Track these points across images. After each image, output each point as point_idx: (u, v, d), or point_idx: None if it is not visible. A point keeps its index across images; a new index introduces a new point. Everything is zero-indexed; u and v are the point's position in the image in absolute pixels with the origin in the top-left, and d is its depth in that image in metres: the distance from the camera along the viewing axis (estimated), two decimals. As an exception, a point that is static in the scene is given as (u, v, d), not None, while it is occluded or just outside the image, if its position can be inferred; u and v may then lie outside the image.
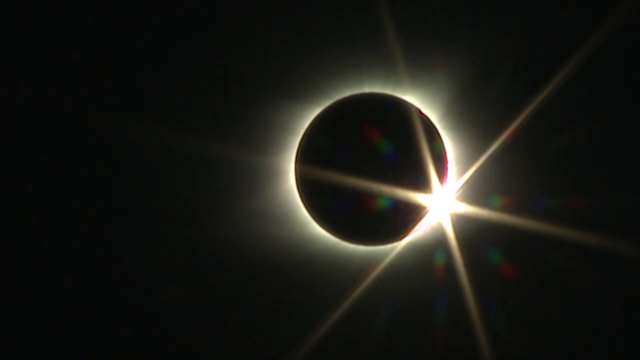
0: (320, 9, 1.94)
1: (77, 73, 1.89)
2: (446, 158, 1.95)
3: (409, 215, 1.92)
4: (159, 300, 1.94)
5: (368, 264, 1.94)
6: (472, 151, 1.95)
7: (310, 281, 1.93)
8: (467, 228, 1.97)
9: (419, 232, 1.96)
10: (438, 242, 1.97)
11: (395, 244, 1.95)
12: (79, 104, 1.88)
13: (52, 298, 1.92)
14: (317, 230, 1.93)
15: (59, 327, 1.93)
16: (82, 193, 1.91)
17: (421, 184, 1.91)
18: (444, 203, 1.96)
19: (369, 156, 1.86)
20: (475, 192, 1.96)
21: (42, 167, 1.90)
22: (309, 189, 1.90)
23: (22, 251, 1.91)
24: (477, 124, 1.94)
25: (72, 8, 1.89)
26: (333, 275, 1.94)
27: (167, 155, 1.91)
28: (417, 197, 1.92)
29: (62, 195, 1.90)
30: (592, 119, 1.95)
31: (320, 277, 1.93)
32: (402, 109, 1.92)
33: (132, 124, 1.90)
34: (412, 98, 1.94)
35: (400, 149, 1.88)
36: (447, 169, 1.95)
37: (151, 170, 1.92)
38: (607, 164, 1.96)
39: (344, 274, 1.94)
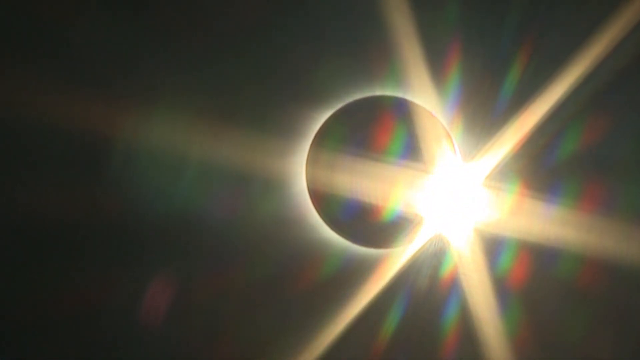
0: (329, 12, 1.94)
1: (82, 70, 1.89)
2: (457, 162, 1.95)
3: (419, 219, 1.92)
4: (164, 303, 1.93)
5: (380, 267, 1.94)
6: (483, 154, 1.95)
7: (320, 284, 1.93)
8: (476, 232, 1.96)
9: (430, 236, 1.96)
10: (448, 247, 1.97)
11: (407, 247, 1.94)
12: (85, 103, 1.88)
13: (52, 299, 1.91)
14: (329, 234, 1.93)
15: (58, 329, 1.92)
16: (85, 195, 1.90)
17: (432, 187, 1.91)
18: (454, 207, 1.96)
19: (380, 159, 1.86)
20: (485, 196, 1.96)
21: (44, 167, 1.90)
22: (320, 192, 1.91)
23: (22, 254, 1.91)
24: (489, 127, 1.94)
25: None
26: (344, 279, 1.93)
27: (174, 158, 1.91)
28: (427, 200, 1.92)
29: (63, 196, 1.90)
30: (602, 121, 1.95)
31: (331, 280, 1.93)
32: (413, 112, 1.92)
33: (140, 125, 1.89)
34: (423, 101, 1.94)
35: (411, 152, 1.88)
36: (458, 172, 1.95)
37: (158, 173, 1.91)
38: (617, 168, 1.96)
39: (355, 277, 1.93)
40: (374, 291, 1.93)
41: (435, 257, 1.96)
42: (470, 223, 1.96)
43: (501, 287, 1.95)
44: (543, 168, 1.95)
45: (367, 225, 1.89)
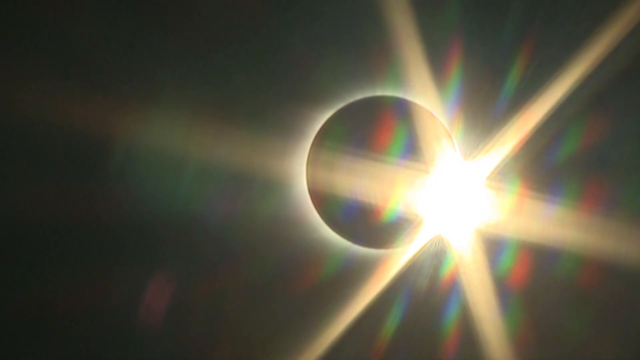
0: (330, 11, 1.94)
1: (81, 69, 1.89)
2: (458, 162, 1.95)
3: (420, 219, 1.92)
4: (164, 303, 1.93)
5: (380, 267, 1.94)
6: (483, 154, 1.95)
7: (320, 284, 1.93)
8: (477, 232, 1.96)
9: (430, 236, 1.96)
10: (448, 247, 1.97)
11: (407, 248, 1.94)
12: (85, 103, 1.88)
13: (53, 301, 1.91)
14: (329, 234, 1.93)
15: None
16: (85, 195, 1.90)
17: (432, 187, 1.91)
18: (454, 207, 1.96)
19: (380, 159, 1.86)
20: (486, 196, 1.96)
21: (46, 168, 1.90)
22: (320, 192, 1.90)
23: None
24: (489, 127, 1.94)
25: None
26: (344, 279, 1.93)
27: (173, 158, 1.90)
28: (427, 200, 1.92)
29: (62, 196, 1.90)
30: (602, 122, 1.95)
31: (332, 281, 1.93)
32: (413, 112, 1.92)
33: (139, 125, 1.89)
34: (424, 101, 1.94)
35: (411, 152, 1.88)
36: (458, 172, 1.95)
37: (157, 173, 1.91)
38: (617, 168, 1.96)
39: (355, 277, 1.93)
40: (374, 291, 1.92)
41: (435, 257, 1.96)
42: (471, 223, 1.96)
43: (502, 287, 1.95)
44: (543, 168, 1.95)
45: (368, 225, 1.88)
